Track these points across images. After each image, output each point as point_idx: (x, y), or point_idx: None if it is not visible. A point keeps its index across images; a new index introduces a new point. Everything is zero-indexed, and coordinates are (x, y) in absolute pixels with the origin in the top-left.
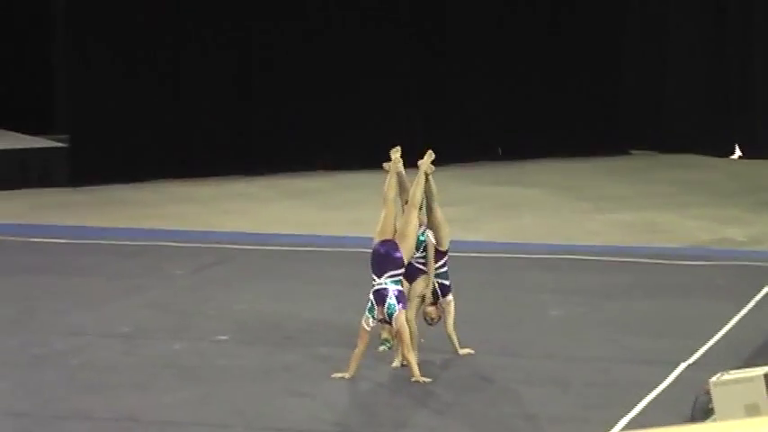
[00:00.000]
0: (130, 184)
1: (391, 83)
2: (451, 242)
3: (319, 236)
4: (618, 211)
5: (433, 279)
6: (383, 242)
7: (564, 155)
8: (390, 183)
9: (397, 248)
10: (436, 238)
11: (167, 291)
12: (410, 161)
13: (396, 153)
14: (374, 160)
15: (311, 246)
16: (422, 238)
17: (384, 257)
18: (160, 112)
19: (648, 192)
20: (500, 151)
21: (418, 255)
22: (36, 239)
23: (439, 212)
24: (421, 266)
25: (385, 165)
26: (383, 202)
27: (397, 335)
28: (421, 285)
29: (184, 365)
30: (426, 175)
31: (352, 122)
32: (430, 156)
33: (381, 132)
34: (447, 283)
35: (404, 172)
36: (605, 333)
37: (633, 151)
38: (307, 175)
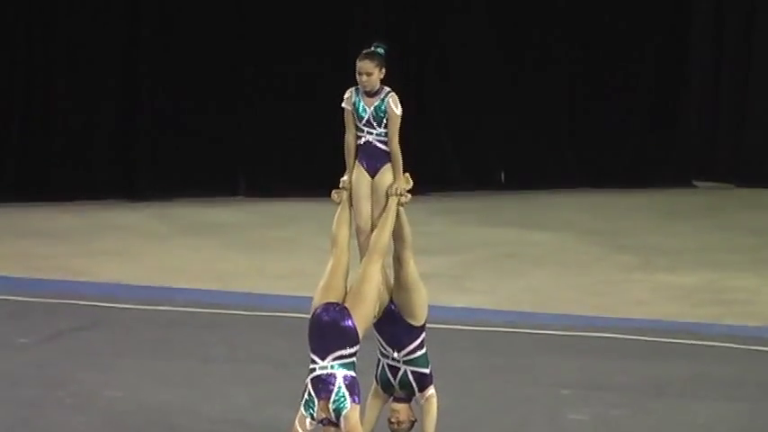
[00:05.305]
0: None
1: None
2: (432, 308)
3: (234, 292)
4: (674, 269)
5: (404, 174)
6: (327, 306)
7: (596, 185)
8: (341, 218)
9: (348, 316)
10: (408, 307)
11: (4, 368)
12: None
13: (350, 174)
14: (317, 185)
15: (221, 307)
16: (383, 107)
17: (329, 329)
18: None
19: (720, 243)
20: (503, 177)
21: (380, 129)
22: None
23: (413, 267)
24: (383, 146)
25: (334, 194)
26: (330, 247)
27: None
28: (388, 178)
29: None
30: (399, 206)
31: (286, 134)
32: (407, 180)
33: (327, 148)
34: (426, 371)
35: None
36: None
37: (698, 183)
38: (217, 203)
